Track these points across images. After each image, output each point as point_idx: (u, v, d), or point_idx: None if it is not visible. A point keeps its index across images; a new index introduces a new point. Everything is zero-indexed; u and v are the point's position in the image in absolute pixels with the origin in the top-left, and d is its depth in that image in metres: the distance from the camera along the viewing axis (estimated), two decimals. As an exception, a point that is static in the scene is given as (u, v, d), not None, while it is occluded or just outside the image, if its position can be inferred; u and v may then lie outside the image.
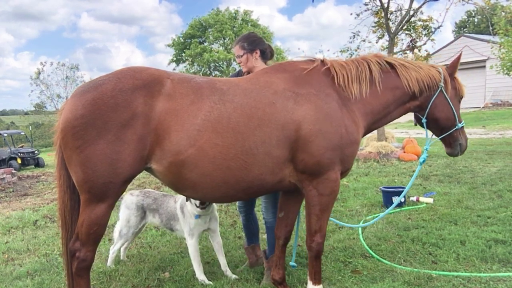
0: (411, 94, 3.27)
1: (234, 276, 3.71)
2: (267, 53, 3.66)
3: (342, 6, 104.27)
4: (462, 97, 3.49)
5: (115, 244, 4.11)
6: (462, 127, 3.45)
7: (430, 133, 3.58)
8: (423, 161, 3.66)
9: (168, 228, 4.02)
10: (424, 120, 3.40)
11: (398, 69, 3.24)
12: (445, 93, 3.31)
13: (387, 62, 3.26)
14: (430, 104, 3.32)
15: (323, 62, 3.18)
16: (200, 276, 3.65)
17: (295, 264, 3.65)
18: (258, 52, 3.58)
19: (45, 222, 6.15)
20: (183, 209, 3.73)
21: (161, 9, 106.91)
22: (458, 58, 3.45)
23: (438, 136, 3.51)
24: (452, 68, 3.41)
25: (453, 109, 3.35)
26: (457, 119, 3.37)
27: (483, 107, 26.38)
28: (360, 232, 4.73)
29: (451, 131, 3.40)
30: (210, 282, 3.61)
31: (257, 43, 3.60)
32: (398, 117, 3.44)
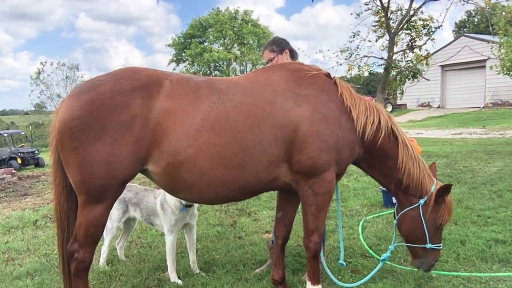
0: (399, 177, 3.18)
1: (202, 273, 3.78)
2: (294, 53, 3.77)
3: (340, 6, 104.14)
4: (441, 224, 3.27)
5: (104, 242, 4.12)
6: (437, 250, 3.26)
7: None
8: (384, 260, 3.46)
9: (148, 223, 4.03)
10: (395, 222, 3.36)
11: (400, 145, 3.17)
12: (421, 212, 3.19)
13: (393, 130, 3.17)
14: (401, 213, 3.28)
15: (332, 78, 3.17)
16: (172, 274, 3.67)
17: (343, 263, 3.51)
18: (287, 51, 3.69)
19: (45, 222, 6.14)
20: (163, 205, 3.72)
21: (159, 9, 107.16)
22: (449, 187, 3.20)
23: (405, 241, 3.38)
24: (445, 190, 3.19)
25: (425, 230, 3.19)
26: (427, 240, 3.20)
27: (483, 107, 26.36)
28: (360, 232, 4.73)
29: (415, 246, 3.27)
30: (181, 281, 3.64)
31: (284, 44, 3.74)
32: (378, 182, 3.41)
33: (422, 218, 3.20)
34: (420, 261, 3.31)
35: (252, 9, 44.86)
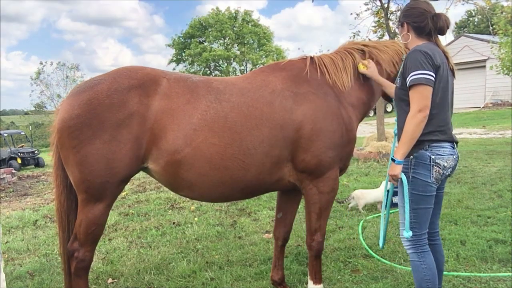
0: (387, 76, 3.26)
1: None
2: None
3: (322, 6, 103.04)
4: None
5: None
6: None
7: None
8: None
9: None
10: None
11: (375, 56, 3.22)
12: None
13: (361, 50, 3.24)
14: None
15: (312, 59, 3.16)
16: None
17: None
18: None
19: (45, 222, 6.15)
20: None
21: (140, 11, 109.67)
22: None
23: None
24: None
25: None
26: None
27: (483, 107, 26.34)
28: (360, 232, 4.73)
29: None
30: None
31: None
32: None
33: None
34: None
35: (244, 10, 44.19)
